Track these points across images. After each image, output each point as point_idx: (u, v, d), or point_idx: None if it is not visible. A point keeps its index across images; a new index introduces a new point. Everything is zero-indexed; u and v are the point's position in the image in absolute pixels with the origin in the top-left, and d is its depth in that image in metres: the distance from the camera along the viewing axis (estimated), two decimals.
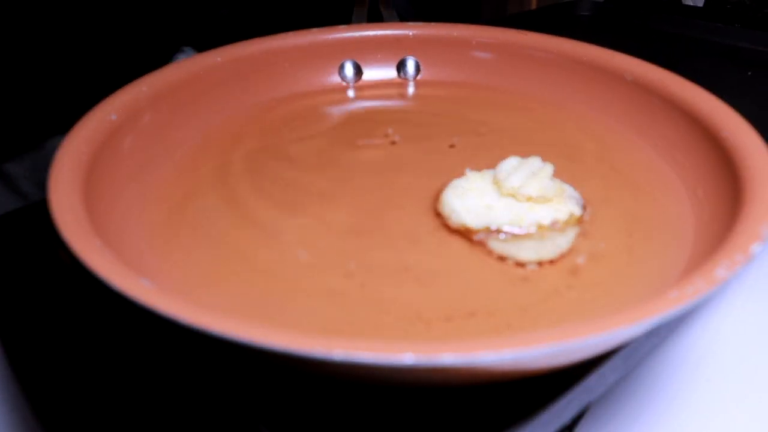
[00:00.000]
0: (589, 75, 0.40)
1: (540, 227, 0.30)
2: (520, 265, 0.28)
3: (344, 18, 0.62)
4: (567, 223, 0.30)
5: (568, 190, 0.31)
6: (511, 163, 0.31)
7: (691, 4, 0.67)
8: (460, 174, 0.32)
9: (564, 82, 0.42)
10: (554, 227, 0.30)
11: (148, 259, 0.28)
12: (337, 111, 0.42)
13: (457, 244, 0.30)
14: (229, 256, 0.29)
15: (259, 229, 0.31)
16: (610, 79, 0.39)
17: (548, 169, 0.31)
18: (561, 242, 0.29)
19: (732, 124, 0.31)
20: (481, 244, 0.29)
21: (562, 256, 0.29)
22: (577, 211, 0.30)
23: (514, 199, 0.30)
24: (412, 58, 0.46)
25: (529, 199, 0.30)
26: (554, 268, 0.28)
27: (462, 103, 0.43)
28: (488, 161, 0.35)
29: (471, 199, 0.31)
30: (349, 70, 0.45)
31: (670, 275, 0.27)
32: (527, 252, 0.29)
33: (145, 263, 0.28)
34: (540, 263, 0.28)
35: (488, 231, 0.30)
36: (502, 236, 0.29)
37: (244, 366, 0.25)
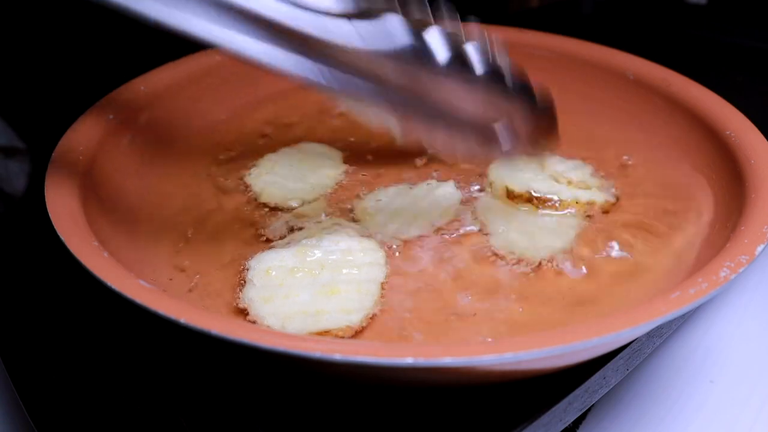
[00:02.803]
0: (590, 74, 0.40)
1: (578, 203, 0.31)
2: (522, 264, 0.28)
3: None
4: (602, 207, 0.31)
5: (605, 184, 0.33)
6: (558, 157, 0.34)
7: (695, 2, 0.66)
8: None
9: (565, 81, 0.41)
10: (590, 207, 0.31)
11: (147, 260, 0.28)
12: (336, 110, 0.42)
13: (459, 244, 0.30)
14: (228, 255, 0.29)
15: (259, 227, 0.31)
16: (611, 78, 0.39)
17: (589, 168, 0.33)
18: (563, 241, 0.29)
19: (736, 124, 0.30)
20: (483, 244, 0.29)
21: (563, 257, 0.29)
22: (611, 199, 0.32)
23: (555, 181, 0.32)
24: None
25: (570, 183, 0.32)
26: (555, 269, 0.28)
27: None
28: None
29: (517, 170, 0.33)
30: None
31: (674, 276, 0.27)
32: (536, 249, 0.29)
33: (144, 264, 0.28)
34: (542, 263, 0.28)
35: (529, 197, 0.31)
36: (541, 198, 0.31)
37: (241, 368, 0.25)
